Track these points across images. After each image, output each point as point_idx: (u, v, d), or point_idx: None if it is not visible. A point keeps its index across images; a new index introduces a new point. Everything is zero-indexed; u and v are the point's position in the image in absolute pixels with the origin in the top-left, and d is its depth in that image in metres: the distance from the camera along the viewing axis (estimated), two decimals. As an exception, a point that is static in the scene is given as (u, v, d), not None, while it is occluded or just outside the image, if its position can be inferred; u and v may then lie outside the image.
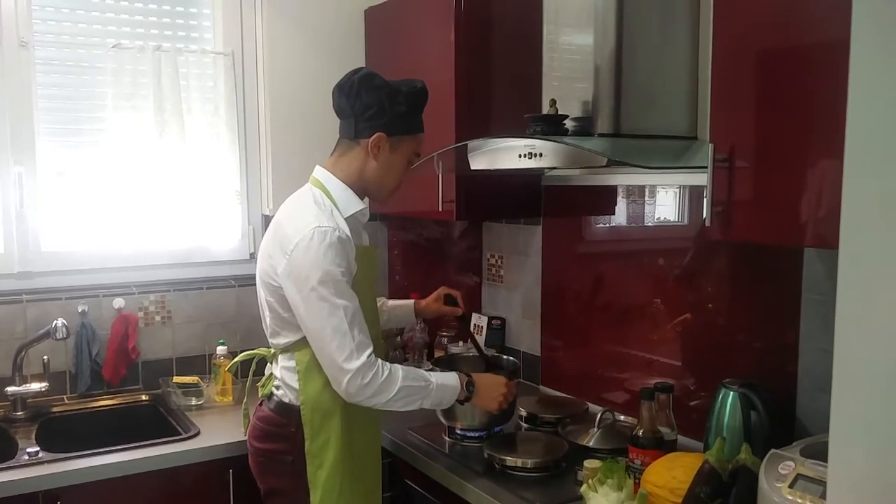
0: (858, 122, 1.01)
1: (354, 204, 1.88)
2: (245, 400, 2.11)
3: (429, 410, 2.19)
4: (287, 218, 1.85)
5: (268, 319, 1.92)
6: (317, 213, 1.79)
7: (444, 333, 2.89)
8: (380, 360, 1.78)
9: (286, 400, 1.90)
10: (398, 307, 2.30)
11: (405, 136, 1.88)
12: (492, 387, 1.95)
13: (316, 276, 1.73)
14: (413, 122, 1.90)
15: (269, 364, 2.01)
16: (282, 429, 1.89)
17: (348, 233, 1.80)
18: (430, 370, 1.94)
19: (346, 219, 1.84)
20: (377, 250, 2.00)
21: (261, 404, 1.99)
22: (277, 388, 1.92)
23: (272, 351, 1.97)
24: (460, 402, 1.90)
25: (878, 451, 1.01)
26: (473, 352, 2.36)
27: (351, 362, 1.73)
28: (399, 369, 1.80)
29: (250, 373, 2.07)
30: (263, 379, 2.01)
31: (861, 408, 1.03)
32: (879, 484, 1.02)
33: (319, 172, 1.92)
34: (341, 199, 1.87)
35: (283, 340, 1.89)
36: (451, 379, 1.88)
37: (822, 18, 1.40)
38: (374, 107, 1.84)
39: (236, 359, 2.17)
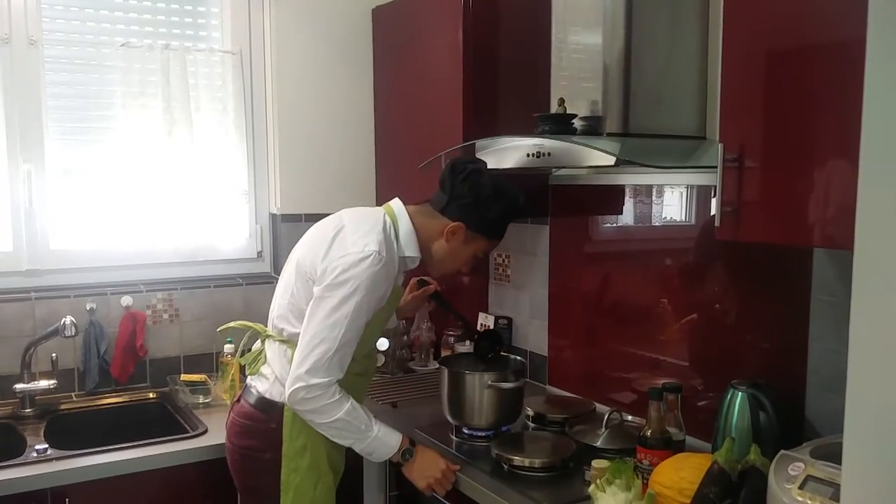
0: (874, 120, 1.00)
1: (411, 249, 1.92)
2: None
3: (436, 409, 2.23)
4: (354, 228, 1.86)
5: (284, 301, 1.93)
6: (383, 240, 1.82)
7: (451, 333, 2.89)
8: (335, 387, 1.78)
9: (268, 396, 1.91)
10: None
11: (482, 236, 1.93)
12: (428, 465, 1.89)
13: (346, 289, 1.76)
14: (496, 229, 1.95)
15: (261, 342, 2.03)
16: (261, 424, 1.90)
17: (396, 271, 1.86)
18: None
19: (401, 257, 1.89)
20: (401, 289, 2.03)
21: (238, 400, 2.00)
22: (264, 378, 1.93)
23: (267, 331, 1.99)
24: (394, 463, 1.90)
25: (893, 452, 1.01)
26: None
27: (311, 376, 1.76)
28: (348, 403, 1.80)
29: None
30: (254, 353, 2.02)
31: (876, 409, 1.02)
32: (895, 485, 1.01)
33: (398, 206, 1.95)
34: (404, 239, 1.91)
35: (287, 327, 1.91)
36: (393, 439, 1.87)
37: (833, 18, 1.39)
38: (468, 198, 1.89)
39: (241, 342, 2.16)
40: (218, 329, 2.30)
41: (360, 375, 1.95)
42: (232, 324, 2.17)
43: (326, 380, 1.76)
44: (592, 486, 1.69)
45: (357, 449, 1.86)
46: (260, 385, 1.94)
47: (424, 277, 2.26)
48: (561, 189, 2.57)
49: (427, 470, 1.89)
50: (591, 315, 2.50)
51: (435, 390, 2.33)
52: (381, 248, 1.80)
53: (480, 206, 1.89)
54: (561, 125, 1.90)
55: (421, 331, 2.92)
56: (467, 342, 2.80)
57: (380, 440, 1.85)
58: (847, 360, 1.06)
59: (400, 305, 2.25)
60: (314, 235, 1.93)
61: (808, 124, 1.44)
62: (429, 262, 1.98)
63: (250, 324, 2.12)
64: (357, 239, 1.81)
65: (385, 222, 1.88)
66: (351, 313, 1.76)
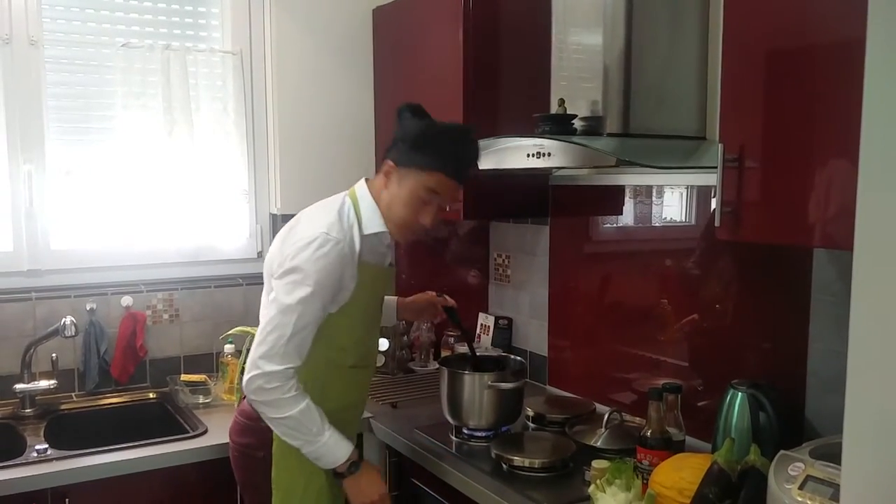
0: (874, 120, 1.00)
1: (376, 224, 1.87)
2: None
3: (436, 409, 2.23)
4: (308, 218, 1.87)
5: (265, 302, 1.93)
6: (333, 222, 1.80)
7: (451, 333, 2.89)
8: (294, 382, 1.77)
9: None
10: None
11: (411, 170, 1.82)
12: (370, 485, 1.86)
13: (295, 276, 1.76)
14: (422, 154, 1.80)
15: None
16: (256, 423, 1.89)
17: (356, 249, 1.81)
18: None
19: (365, 236, 1.85)
20: (393, 270, 2.00)
21: (244, 398, 2.00)
22: None
23: None
24: (335, 473, 1.84)
25: (892, 452, 1.01)
26: (480, 353, 2.35)
27: (267, 363, 1.75)
28: (304, 403, 1.77)
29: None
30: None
31: (876, 409, 1.02)
32: (894, 486, 1.01)
33: (359, 185, 1.92)
34: (367, 216, 1.87)
35: None
36: (343, 449, 1.82)
37: (833, 19, 1.39)
38: (397, 136, 1.85)
39: (244, 346, 2.17)
40: (220, 337, 2.30)
41: (356, 368, 1.93)
42: (232, 331, 2.17)
43: (282, 368, 1.75)
44: (592, 487, 1.69)
45: (304, 451, 1.81)
46: None
47: (445, 295, 2.25)
48: (561, 189, 2.58)
49: (368, 488, 1.86)
50: (591, 315, 2.50)
51: (435, 391, 2.33)
52: (331, 230, 1.77)
53: (402, 138, 1.83)
54: (561, 125, 1.90)
55: (421, 331, 2.92)
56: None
57: (328, 447, 1.80)
58: (847, 360, 1.06)
59: (406, 303, 2.25)
60: (279, 234, 1.93)
61: (808, 124, 1.44)
62: (387, 222, 1.88)
63: (248, 329, 2.12)
64: (307, 227, 1.81)
65: (344, 204, 1.86)
66: (303, 298, 1.75)
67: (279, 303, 1.77)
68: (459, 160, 1.84)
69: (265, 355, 1.76)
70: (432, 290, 2.28)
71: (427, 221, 1.85)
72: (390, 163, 1.84)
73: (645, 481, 1.71)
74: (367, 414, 2.24)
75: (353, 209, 1.86)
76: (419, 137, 1.81)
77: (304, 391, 1.79)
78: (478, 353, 2.29)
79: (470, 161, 1.86)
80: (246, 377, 1.78)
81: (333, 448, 1.81)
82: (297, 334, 1.76)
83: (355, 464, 1.84)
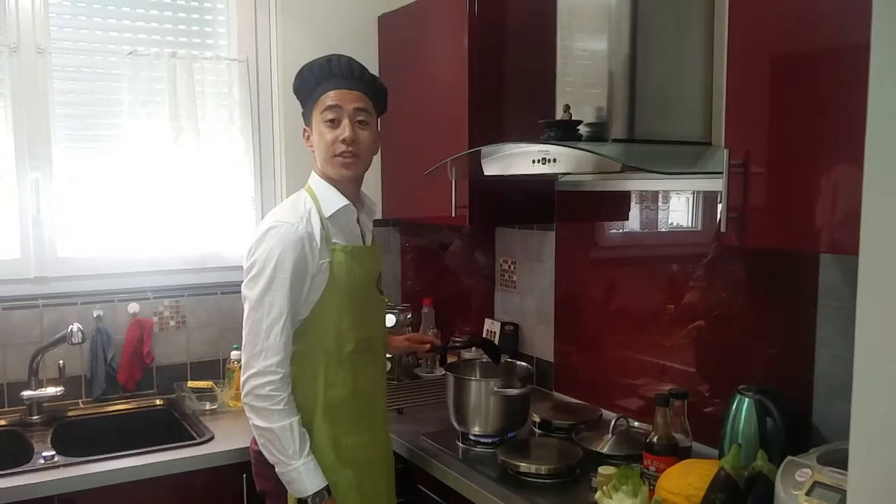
0: (879, 125, 1.00)
1: (336, 202, 1.88)
2: None
3: (442, 415, 2.24)
4: (264, 219, 1.88)
5: None
6: (284, 212, 1.83)
7: (457, 339, 2.89)
8: (286, 396, 1.76)
9: None
10: None
11: (310, 115, 1.90)
12: None
13: (254, 270, 1.78)
14: (305, 97, 1.92)
15: None
16: None
17: (316, 230, 1.82)
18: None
19: (329, 217, 1.85)
20: (372, 248, 1.99)
21: None
22: None
23: None
24: (298, 500, 1.80)
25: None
26: (486, 358, 2.35)
27: (255, 360, 1.76)
28: (289, 421, 1.75)
29: None
30: None
31: (882, 414, 1.02)
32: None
33: (311, 176, 1.95)
34: (324, 198, 1.88)
35: None
36: (314, 482, 1.77)
37: (837, 24, 1.39)
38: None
39: None
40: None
41: (356, 353, 1.88)
42: None
43: (271, 363, 1.75)
44: (599, 493, 1.69)
45: (277, 472, 1.80)
46: None
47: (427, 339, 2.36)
48: (566, 195, 2.57)
49: None
50: (597, 321, 2.50)
51: (441, 397, 2.33)
52: (282, 218, 1.80)
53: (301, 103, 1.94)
54: (566, 131, 1.89)
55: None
56: (473, 349, 2.79)
57: (300, 474, 1.76)
58: (853, 365, 1.05)
59: (398, 344, 2.33)
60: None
61: (814, 129, 1.44)
62: (330, 177, 1.89)
63: None
64: (261, 224, 1.84)
65: (299, 196, 1.89)
66: (266, 288, 1.75)
67: (248, 300, 1.80)
68: (318, 72, 1.90)
69: (252, 354, 1.77)
70: (414, 333, 2.41)
71: (346, 134, 1.85)
72: (305, 129, 1.93)
73: (651, 487, 1.71)
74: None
75: (309, 197, 1.88)
76: (295, 93, 1.94)
77: (293, 410, 1.78)
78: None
79: (321, 63, 1.91)
80: (241, 380, 1.80)
81: (305, 477, 1.77)
82: (274, 325, 1.76)
83: (321, 496, 1.79)
